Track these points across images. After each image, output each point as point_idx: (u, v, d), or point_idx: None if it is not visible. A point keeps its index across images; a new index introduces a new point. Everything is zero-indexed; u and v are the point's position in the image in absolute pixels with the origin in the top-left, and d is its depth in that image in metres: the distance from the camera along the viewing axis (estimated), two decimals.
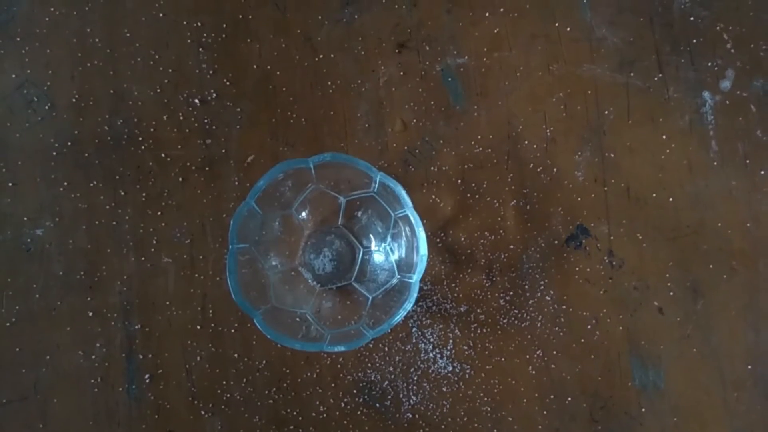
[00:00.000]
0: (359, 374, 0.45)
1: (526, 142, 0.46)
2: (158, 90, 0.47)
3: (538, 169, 0.46)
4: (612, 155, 0.46)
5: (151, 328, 0.46)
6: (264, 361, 0.45)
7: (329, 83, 0.47)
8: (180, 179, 0.46)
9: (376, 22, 0.47)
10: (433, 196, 0.46)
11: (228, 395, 0.45)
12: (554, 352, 0.45)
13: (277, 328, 0.39)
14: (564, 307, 0.46)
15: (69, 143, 0.46)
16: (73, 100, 0.47)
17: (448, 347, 0.46)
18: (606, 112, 0.47)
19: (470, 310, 0.46)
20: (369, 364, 0.45)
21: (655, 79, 0.47)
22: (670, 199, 0.46)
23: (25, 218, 0.46)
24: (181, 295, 0.46)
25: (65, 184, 0.46)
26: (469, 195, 0.46)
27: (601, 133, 0.46)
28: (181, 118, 0.47)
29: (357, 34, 0.47)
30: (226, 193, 0.46)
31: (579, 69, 0.47)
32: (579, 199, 0.46)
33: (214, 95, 0.47)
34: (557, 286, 0.46)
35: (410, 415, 0.45)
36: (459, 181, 0.46)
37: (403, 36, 0.47)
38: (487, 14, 0.47)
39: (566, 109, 0.47)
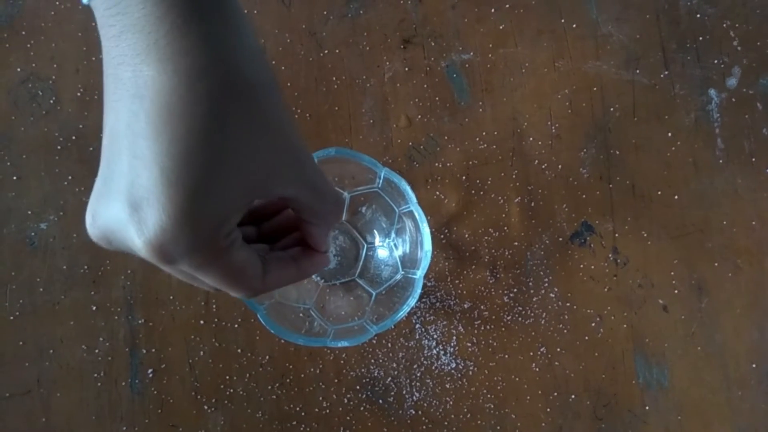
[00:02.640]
0: (362, 370, 0.45)
1: (531, 138, 0.46)
2: None
3: (543, 166, 0.46)
4: (617, 152, 0.46)
5: (155, 322, 0.46)
6: (267, 357, 0.45)
7: (334, 78, 0.47)
8: None
9: (382, 18, 0.47)
10: (438, 193, 0.46)
11: (231, 390, 0.45)
12: (558, 350, 0.45)
13: (280, 323, 0.39)
14: (568, 304, 0.45)
15: (73, 137, 0.46)
16: (78, 94, 0.47)
17: (452, 344, 0.45)
18: (611, 109, 0.46)
19: (474, 306, 0.46)
20: (372, 360, 0.45)
21: (661, 76, 0.46)
22: (676, 197, 0.46)
23: (29, 212, 0.46)
24: (185, 290, 0.46)
25: (69, 178, 0.46)
26: (473, 191, 0.46)
27: (606, 130, 0.46)
28: None
29: (362, 29, 0.47)
30: None
31: (585, 65, 0.47)
32: (584, 196, 0.46)
33: None
34: (561, 284, 0.46)
35: (413, 412, 0.45)
36: (463, 177, 0.46)
37: (409, 32, 0.47)
38: (492, 10, 0.47)
39: (571, 105, 0.46)
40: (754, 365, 0.45)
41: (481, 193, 0.46)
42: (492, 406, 0.45)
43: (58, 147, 0.46)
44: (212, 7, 0.21)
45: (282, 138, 0.24)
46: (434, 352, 0.45)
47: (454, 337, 0.45)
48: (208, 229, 0.22)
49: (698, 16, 0.47)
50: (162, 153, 0.20)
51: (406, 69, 0.47)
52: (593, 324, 0.45)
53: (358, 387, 0.45)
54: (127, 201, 0.21)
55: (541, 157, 0.46)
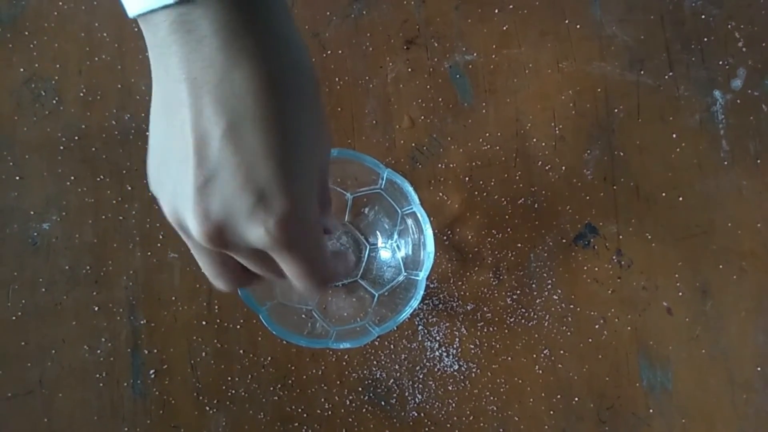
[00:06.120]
0: (364, 372, 0.45)
1: (535, 139, 0.46)
2: None
3: (547, 167, 0.46)
4: (621, 154, 0.46)
5: (157, 323, 0.46)
6: (269, 358, 0.45)
7: (337, 79, 0.47)
8: None
9: (385, 19, 0.47)
10: (441, 194, 0.46)
11: (233, 391, 0.45)
12: (561, 352, 0.45)
13: (282, 325, 0.38)
14: (571, 306, 0.45)
15: (76, 137, 0.46)
16: (81, 94, 0.47)
17: (455, 345, 0.45)
18: (616, 110, 0.46)
19: (477, 308, 0.45)
20: (374, 362, 0.45)
21: (666, 77, 0.46)
22: (680, 199, 0.46)
23: (32, 212, 0.46)
24: (187, 291, 0.46)
25: (72, 178, 0.46)
26: (476, 192, 0.46)
27: (610, 132, 0.46)
28: None
29: (365, 30, 0.47)
30: None
31: (589, 67, 0.46)
32: (588, 197, 0.46)
33: None
34: (565, 285, 0.45)
35: (415, 414, 0.45)
36: (466, 178, 0.46)
37: (412, 32, 0.47)
38: (496, 11, 0.47)
39: (575, 107, 0.46)
40: (759, 369, 0.45)
41: (484, 194, 0.46)
42: (495, 409, 0.45)
43: (61, 147, 0.46)
44: (280, 9, 0.23)
45: (328, 128, 0.27)
46: (437, 353, 0.45)
47: (457, 339, 0.45)
48: (317, 212, 0.25)
49: (703, 17, 0.46)
50: (276, 146, 0.22)
51: (409, 70, 0.47)
52: (597, 326, 0.45)
53: (360, 389, 0.45)
54: (250, 192, 0.22)
55: (545, 158, 0.46)
